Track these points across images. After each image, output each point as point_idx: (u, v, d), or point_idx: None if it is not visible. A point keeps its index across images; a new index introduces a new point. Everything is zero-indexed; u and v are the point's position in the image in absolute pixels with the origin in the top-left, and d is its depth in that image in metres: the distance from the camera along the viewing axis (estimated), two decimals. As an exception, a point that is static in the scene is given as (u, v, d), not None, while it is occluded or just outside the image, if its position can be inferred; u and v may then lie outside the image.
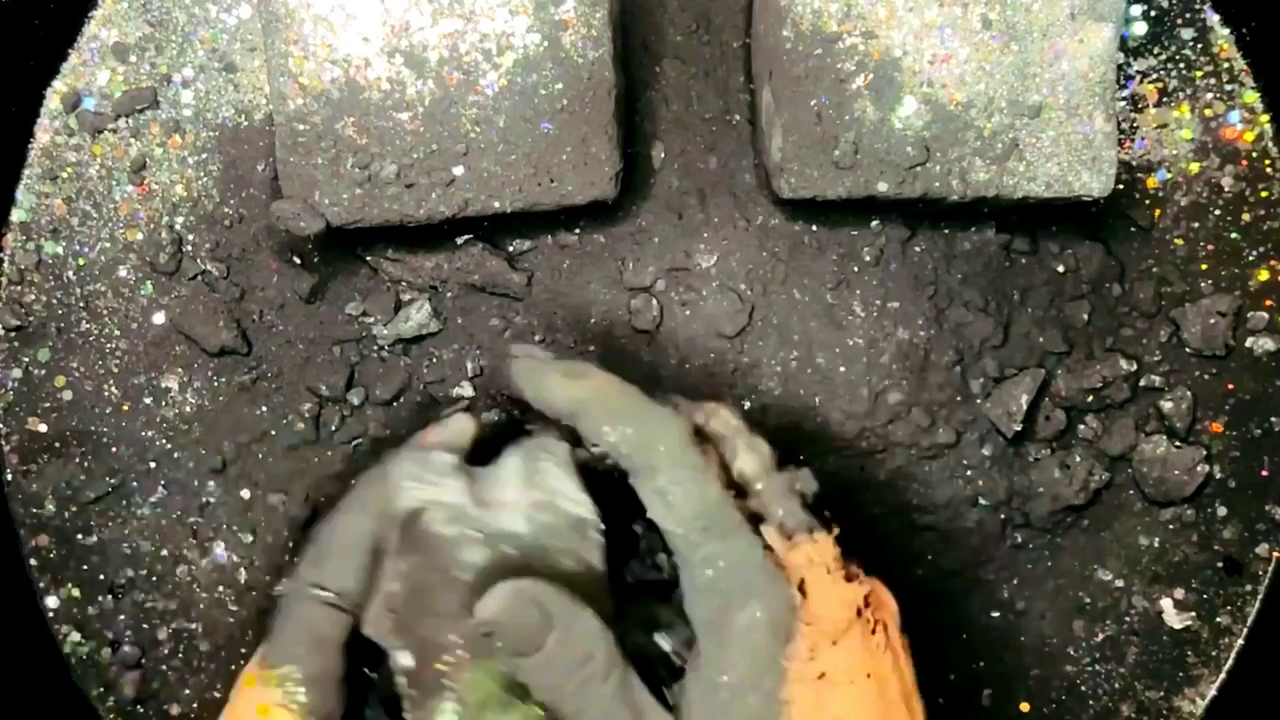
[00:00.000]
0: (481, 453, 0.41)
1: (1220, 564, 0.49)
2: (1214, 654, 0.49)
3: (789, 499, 0.38)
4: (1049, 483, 0.48)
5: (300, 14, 0.43)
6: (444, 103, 0.43)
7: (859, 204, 0.45)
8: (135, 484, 0.48)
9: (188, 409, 0.48)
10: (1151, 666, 0.49)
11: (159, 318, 0.48)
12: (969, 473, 0.48)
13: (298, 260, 0.48)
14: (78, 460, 0.48)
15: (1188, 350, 0.49)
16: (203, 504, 0.48)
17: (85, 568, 0.48)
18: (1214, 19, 0.49)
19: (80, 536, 0.48)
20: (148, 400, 0.48)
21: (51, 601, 0.48)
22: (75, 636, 0.48)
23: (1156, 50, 0.49)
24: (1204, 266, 0.49)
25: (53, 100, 0.48)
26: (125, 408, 0.48)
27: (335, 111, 0.43)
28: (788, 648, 0.35)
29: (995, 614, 0.49)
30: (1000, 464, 0.48)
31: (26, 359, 0.48)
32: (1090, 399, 0.48)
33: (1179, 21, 0.49)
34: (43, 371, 0.48)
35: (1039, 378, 0.47)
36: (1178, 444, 0.48)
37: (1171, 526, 0.49)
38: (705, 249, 0.48)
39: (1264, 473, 0.49)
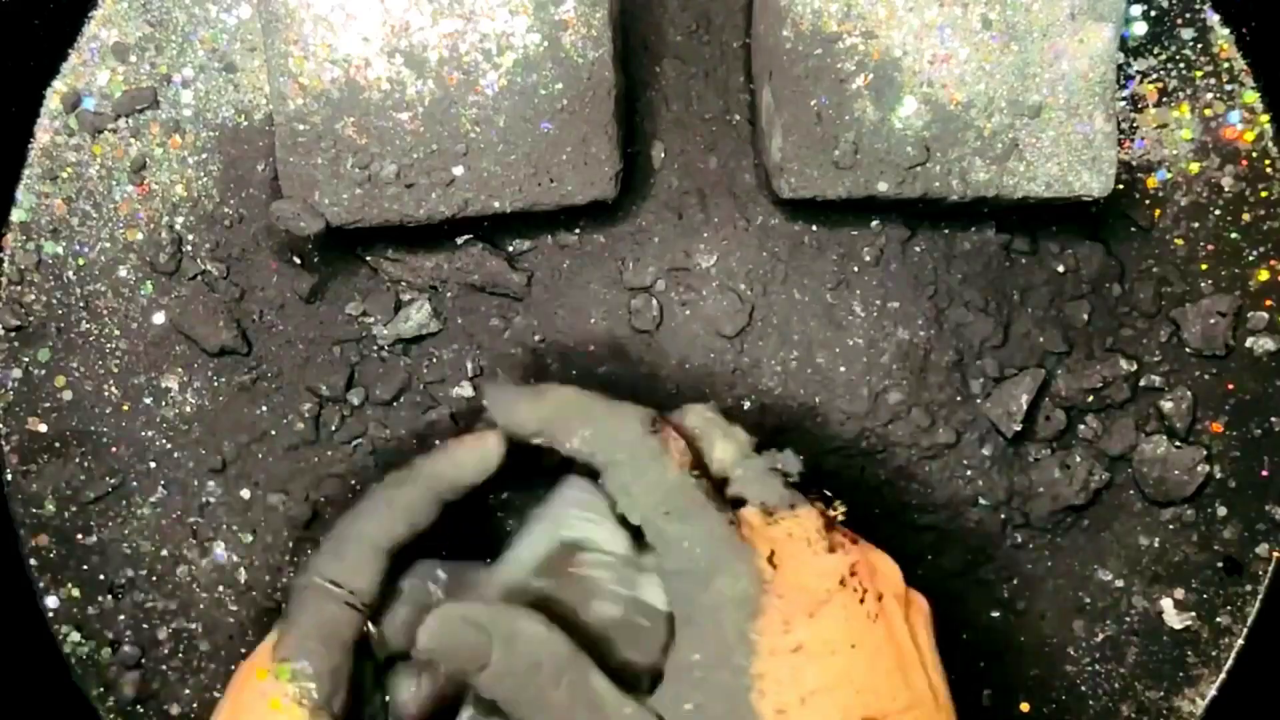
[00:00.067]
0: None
1: (1220, 564, 0.49)
2: (1214, 654, 0.49)
3: (767, 478, 0.38)
4: (1049, 483, 0.48)
5: (300, 14, 0.43)
6: (444, 103, 0.43)
7: (859, 204, 0.45)
8: (135, 484, 0.48)
9: (188, 409, 0.48)
10: (1151, 666, 0.49)
11: (159, 318, 0.48)
12: (969, 473, 0.48)
13: (298, 260, 0.48)
14: (78, 460, 0.48)
15: (1188, 350, 0.49)
16: (203, 504, 0.48)
17: (85, 568, 0.48)
18: (1214, 19, 0.49)
19: (80, 536, 0.48)
20: (148, 400, 0.48)
21: (51, 601, 0.48)
22: (75, 636, 0.48)
23: (1156, 50, 0.49)
24: (1204, 266, 0.49)
25: (53, 100, 0.48)
26: (125, 408, 0.48)
27: (335, 111, 0.43)
28: (757, 622, 0.35)
29: (995, 614, 0.49)
30: (1000, 464, 0.48)
31: (26, 359, 0.48)
32: (1090, 399, 0.48)
33: (1179, 21, 0.49)
34: (43, 371, 0.48)
35: (1039, 378, 0.47)
36: (1178, 444, 0.48)
37: (1171, 526, 0.49)
38: (705, 249, 0.48)
39: (1264, 473, 0.49)
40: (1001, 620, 0.49)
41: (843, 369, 0.48)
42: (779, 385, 0.48)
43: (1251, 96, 0.48)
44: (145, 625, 0.48)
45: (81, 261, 0.48)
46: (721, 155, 0.48)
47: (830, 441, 0.48)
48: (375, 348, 0.48)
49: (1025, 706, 0.49)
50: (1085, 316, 0.48)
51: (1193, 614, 0.49)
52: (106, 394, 0.48)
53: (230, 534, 0.48)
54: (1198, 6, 0.49)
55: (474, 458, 0.40)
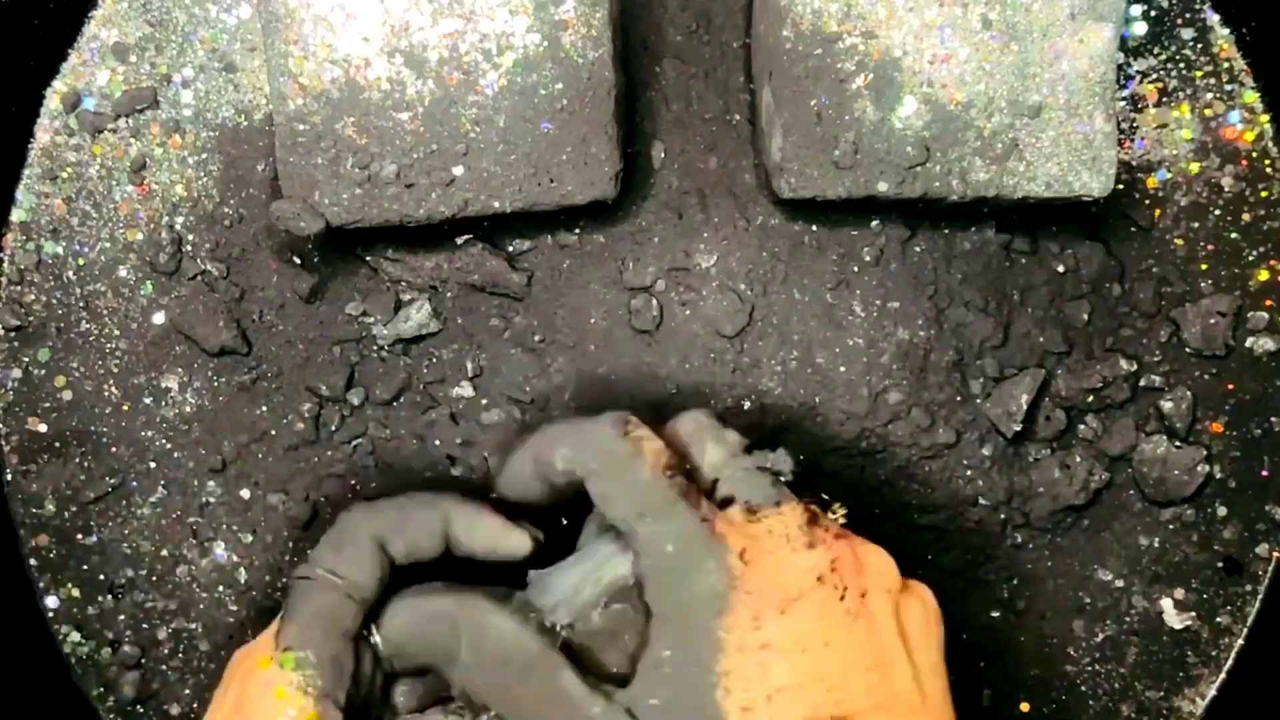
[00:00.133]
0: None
1: (1220, 564, 0.49)
2: (1214, 654, 0.49)
3: (753, 476, 0.38)
4: (1049, 483, 0.48)
5: (300, 14, 0.43)
6: (444, 103, 0.43)
7: (859, 204, 0.45)
8: (135, 484, 0.48)
9: (188, 409, 0.48)
10: (1151, 666, 0.49)
11: (159, 318, 0.48)
12: (969, 473, 0.48)
13: (298, 260, 0.48)
14: (78, 460, 0.48)
15: (1188, 350, 0.49)
16: (203, 504, 0.48)
17: (85, 568, 0.48)
18: (1214, 19, 0.49)
19: (80, 536, 0.48)
20: (148, 400, 0.48)
21: (51, 601, 0.48)
22: (75, 636, 0.48)
23: (1156, 50, 0.49)
24: (1204, 266, 0.49)
25: (53, 100, 0.48)
26: (125, 408, 0.48)
27: (335, 111, 0.43)
28: (725, 619, 0.34)
29: (995, 614, 0.49)
30: (1000, 464, 0.48)
31: (26, 359, 0.48)
32: (1090, 399, 0.48)
33: (1179, 21, 0.49)
34: (43, 371, 0.48)
35: (1039, 378, 0.47)
36: (1178, 444, 0.48)
37: (1171, 526, 0.49)
38: (705, 249, 0.48)
39: (1264, 473, 0.49)
40: (1001, 620, 0.49)
41: (842, 369, 0.48)
42: (779, 385, 0.48)
43: (1251, 96, 0.48)
44: (145, 625, 0.48)
45: (81, 261, 0.48)
46: (721, 155, 0.48)
47: (830, 441, 0.48)
48: (375, 348, 0.48)
49: (1025, 706, 0.49)
50: (1085, 316, 0.48)
51: (1193, 614, 0.49)
52: (106, 394, 0.48)
53: (230, 534, 0.48)
54: (1198, 6, 0.49)
55: (500, 537, 0.39)
